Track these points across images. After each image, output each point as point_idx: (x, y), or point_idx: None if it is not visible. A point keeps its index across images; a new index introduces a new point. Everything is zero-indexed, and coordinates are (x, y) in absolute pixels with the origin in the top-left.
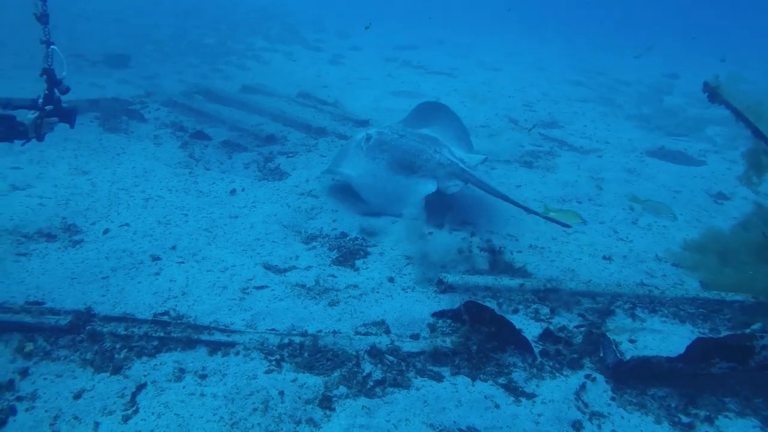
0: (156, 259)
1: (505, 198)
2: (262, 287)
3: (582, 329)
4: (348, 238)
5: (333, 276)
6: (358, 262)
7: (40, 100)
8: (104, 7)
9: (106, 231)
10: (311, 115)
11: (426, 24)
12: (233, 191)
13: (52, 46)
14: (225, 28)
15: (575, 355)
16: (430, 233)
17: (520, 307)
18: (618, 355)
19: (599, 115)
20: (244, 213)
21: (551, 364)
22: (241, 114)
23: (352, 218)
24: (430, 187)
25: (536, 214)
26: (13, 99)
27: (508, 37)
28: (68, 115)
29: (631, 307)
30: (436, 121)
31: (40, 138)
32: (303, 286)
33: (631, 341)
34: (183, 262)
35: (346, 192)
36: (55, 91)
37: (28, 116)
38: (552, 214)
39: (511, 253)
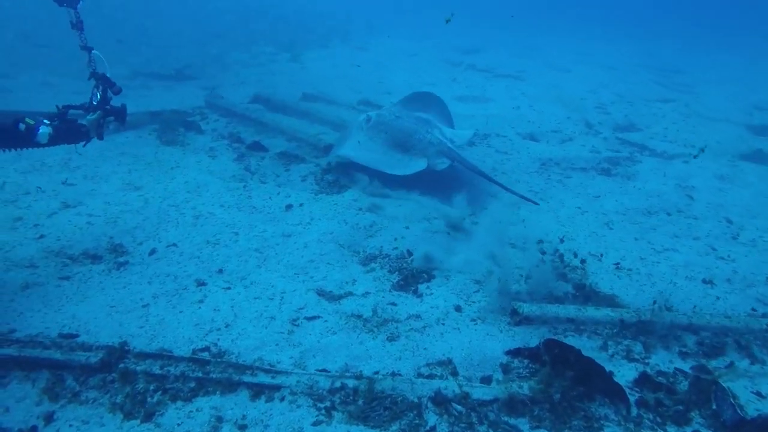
0: (201, 284)
1: (482, 174)
2: (313, 318)
3: (687, 373)
4: (411, 258)
5: (393, 304)
6: (422, 287)
7: (95, 102)
8: (163, 20)
9: (153, 252)
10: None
11: (488, 25)
12: (289, 207)
13: (93, 51)
14: (283, 36)
15: (680, 407)
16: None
17: (610, 343)
18: (738, 410)
19: (681, 116)
20: (298, 231)
21: (651, 417)
22: (300, 123)
23: (414, 235)
24: (421, 164)
25: (507, 189)
26: (70, 105)
27: (577, 37)
28: (120, 113)
29: (746, 344)
30: (429, 106)
31: (101, 137)
32: (359, 316)
33: (757, 394)
34: (229, 288)
35: None
36: (108, 91)
37: (87, 118)
38: None
39: (595, 275)
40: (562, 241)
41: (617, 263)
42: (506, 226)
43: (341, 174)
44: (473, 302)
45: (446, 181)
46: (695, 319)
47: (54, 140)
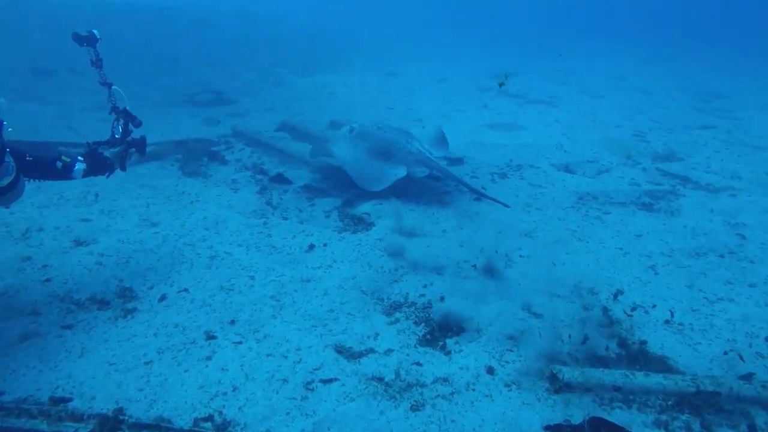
0: (210, 337)
1: (459, 181)
2: (330, 380)
3: None
4: (438, 307)
5: (418, 364)
6: (450, 342)
7: (117, 135)
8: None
9: (162, 298)
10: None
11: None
12: (311, 247)
13: (113, 87)
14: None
15: None
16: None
17: (664, 418)
18: None
19: (723, 144)
20: (318, 275)
21: None
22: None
23: (443, 281)
24: (401, 172)
25: (481, 194)
26: (99, 141)
27: (610, 60)
28: (141, 145)
29: None
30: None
31: (124, 168)
32: (381, 379)
33: None
34: (240, 342)
35: None
36: (129, 124)
37: (111, 150)
38: None
39: (642, 330)
40: (609, 293)
41: (667, 318)
42: (542, 269)
43: (325, 179)
44: (507, 362)
45: (478, 220)
46: (766, 392)
47: (86, 175)
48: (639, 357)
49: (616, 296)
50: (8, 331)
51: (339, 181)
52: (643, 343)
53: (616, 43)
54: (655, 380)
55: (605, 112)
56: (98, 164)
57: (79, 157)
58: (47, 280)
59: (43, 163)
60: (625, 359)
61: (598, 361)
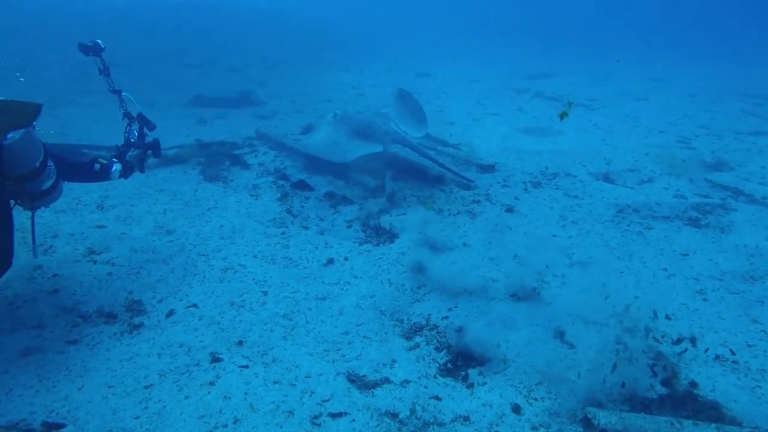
0: (216, 359)
1: (430, 158)
2: (339, 415)
3: None
4: (462, 332)
5: (437, 398)
6: (473, 373)
7: (132, 140)
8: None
9: (170, 313)
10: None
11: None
12: (329, 261)
13: (123, 93)
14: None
15: None
16: (571, 345)
17: None
18: None
19: None
20: (334, 293)
21: None
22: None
23: (468, 302)
24: (378, 147)
25: (448, 169)
26: (126, 143)
27: (653, 61)
28: (156, 147)
29: None
30: (396, 103)
31: (143, 170)
32: (394, 415)
33: None
34: (247, 367)
35: None
36: (144, 128)
37: (130, 154)
38: None
39: (689, 367)
40: (652, 321)
41: (719, 354)
42: (577, 292)
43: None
44: (535, 399)
45: (509, 233)
46: None
47: (120, 176)
48: (686, 400)
49: (658, 326)
50: (11, 345)
51: (363, 188)
52: (692, 383)
53: (656, 44)
54: (706, 430)
55: (647, 117)
56: (127, 167)
57: (114, 159)
58: (55, 290)
59: (81, 167)
60: (670, 402)
61: (638, 402)
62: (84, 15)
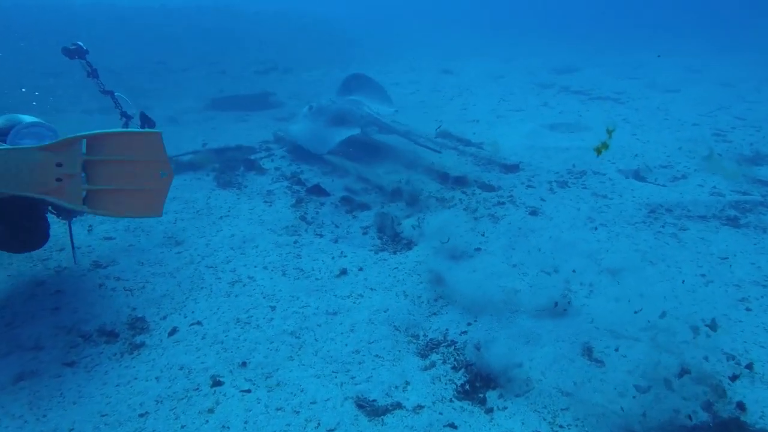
0: (217, 383)
1: (402, 135)
2: None
3: None
4: (482, 349)
5: (452, 426)
6: (493, 396)
7: None
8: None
9: (173, 331)
10: (450, 159)
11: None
12: (343, 272)
13: (116, 93)
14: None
15: None
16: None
17: None
18: None
19: None
20: (346, 307)
21: None
22: (369, 160)
23: (489, 316)
24: (356, 131)
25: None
26: None
27: (684, 51)
28: None
29: None
30: (362, 88)
31: None
32: None
33: None
34: (249, 391)
35: None
36: (146, 126)
37: None
38: None
39: (735, 390)
40: (689, 334)
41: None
42: (607, 302)
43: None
44: (561, 427)
45: (533, 238)
46: None
47: None
48: (732, 428)
49: (697, 341)
50: (5, 369)
51: (380, 193)
52: (740, 405)
53: (685, 34)
54: None
55: (679, 109)
56: None
57: None
58: (56, 308)
59: None
60: (714, 430)
61: (677, 430)
62: (84, 19)
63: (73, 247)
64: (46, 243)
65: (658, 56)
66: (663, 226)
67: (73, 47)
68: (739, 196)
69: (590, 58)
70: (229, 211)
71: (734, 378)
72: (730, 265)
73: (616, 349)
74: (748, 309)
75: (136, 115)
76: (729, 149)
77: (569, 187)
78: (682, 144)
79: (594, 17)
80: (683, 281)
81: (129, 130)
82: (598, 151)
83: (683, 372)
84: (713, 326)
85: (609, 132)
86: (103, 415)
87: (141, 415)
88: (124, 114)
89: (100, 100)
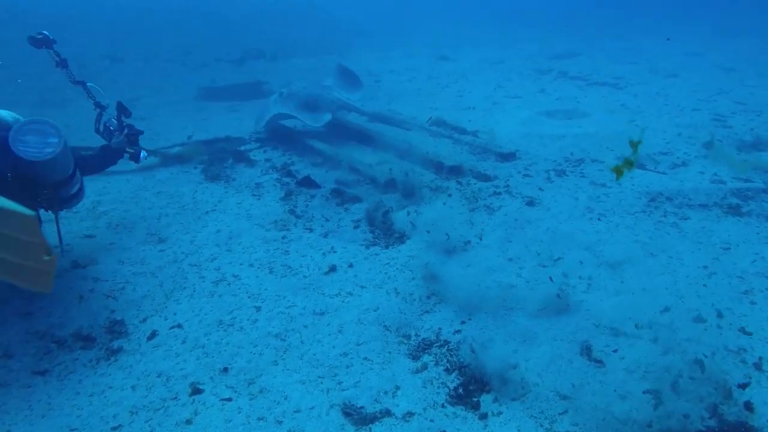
0: (196, 391)
1: (373, 115)
2: None
3: None
4: (476, 350)
5: None
6: (487, 401)
7: (112, 128)
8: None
9: (152, 336)
10: (445, 148)
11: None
12: (332, 268)
13: (88, 84)
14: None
15: None
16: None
17: None
18: None
19: None
20: (334, 306)
21: None
22: (361, 150)
23: (484, 313)
24: (328, 116)
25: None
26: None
27: (684, 35)
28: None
29: None
30: (341, 76)
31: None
32: None
33: None
34: (230, 399)
35: None
36: (122, 115)
37: (114, 141)
38: None
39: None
40: (692, 331)
41: None
42: (607, 297)
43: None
44: None
45: (530, 229)
46: None
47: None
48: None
49: (699, 337)
50: None
51: (373, 184)
52: (747, 405)
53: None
54: None
55: (679, 94)
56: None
57: (138, 147)
58: (29, 313)
59: (108, 158)
60: None
61: None
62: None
63: (60, 240)
64: None
65: (667, 39)
66: (663, 216)
67: (40, 37)
68: (740, 184)
69: (589, 43)
70: (215, 205)
71: (744, 386)
72: (733, 256)
73: (616, 350)
74: (752, 302)
75: (112, 105)
76: (729, 135)
77: (567, 175)
78: (681, 130)
79: (594, 2)
80: (686, 275)
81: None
82: (619, 171)
83: (684, 372)
84: (717, 321)
85: (633, 145)
86: (72, 430)
87: (114, 429)
88: (97, 104)
89: (42, 93)
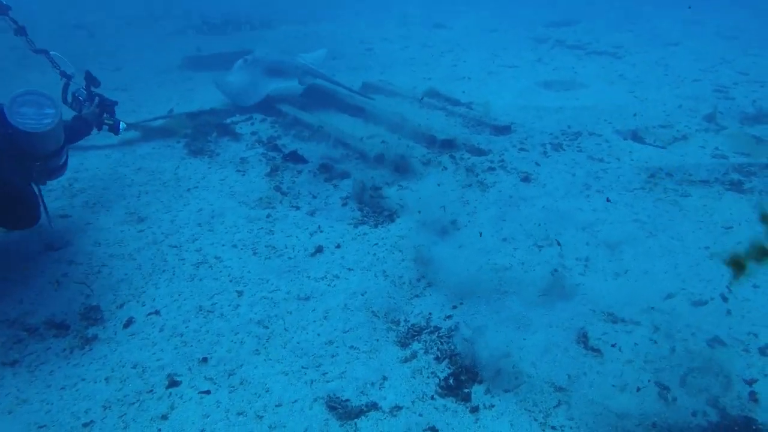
0: (173, 383)
1: (335, 83)
2: None
3: None
4: (468, 336)
5: (433, 430)
6: (479, 392)
7: (81, 98)
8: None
9: (129, 323)
10: (438, 121)
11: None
12: (319, 249)
13: (51, 53)
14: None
15: None
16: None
17: None
18: None
19: None
20: (320, 290)
21: None
22: (352, 123)
23: (477, 297)
24: (294, 83)
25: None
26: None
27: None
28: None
29: None
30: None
31: (100, 128)
32: None
33: None
34: (208, 392)
35: None
36: (91, 87)
37: (85, 111)
38: None
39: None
40: (694, 317)
41: None
42: (604, 281)
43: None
44: (553, 429)
45: (525, 207)
46: None
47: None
48: (743, 429)
49: (700, 323)
50: None
51: (362, 159)
52: (751, 395)
53: None
54: None
55: (680, 64)
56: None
57: (117, 118)
58: None
59: (85, 129)
60: (722, 428)
61: (683, 429)
62: None
63: (47, 212)
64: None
65: (689, 8)
66: (664, 193)
67: None
68: (743, 159)
69: (588, 7)
70: (198, 182)
71: (751, 382)
72: (735, 235)
73: (614, 339)
74: (755, 286)
75: (80, 74)
76: (731, 107)
77: (564, 150)
78: (682, 102)
79: None
80: (687, 256)
81: None
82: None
83: (686, 360)
84: (720, 305)
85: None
86: (41, 427)
87: (85, 425)
88: (63, 74)
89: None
